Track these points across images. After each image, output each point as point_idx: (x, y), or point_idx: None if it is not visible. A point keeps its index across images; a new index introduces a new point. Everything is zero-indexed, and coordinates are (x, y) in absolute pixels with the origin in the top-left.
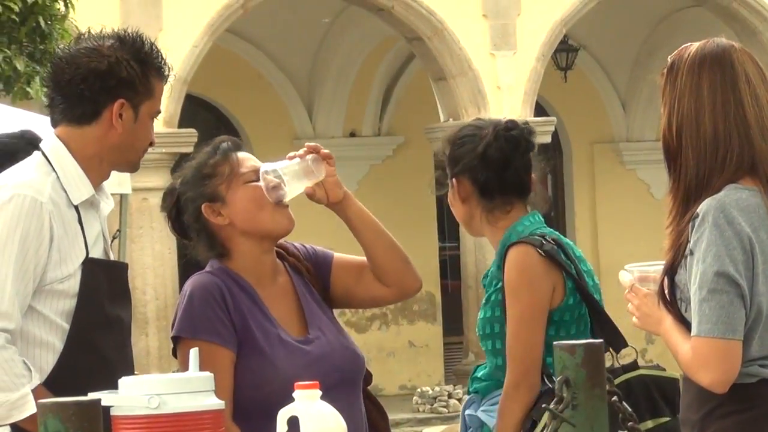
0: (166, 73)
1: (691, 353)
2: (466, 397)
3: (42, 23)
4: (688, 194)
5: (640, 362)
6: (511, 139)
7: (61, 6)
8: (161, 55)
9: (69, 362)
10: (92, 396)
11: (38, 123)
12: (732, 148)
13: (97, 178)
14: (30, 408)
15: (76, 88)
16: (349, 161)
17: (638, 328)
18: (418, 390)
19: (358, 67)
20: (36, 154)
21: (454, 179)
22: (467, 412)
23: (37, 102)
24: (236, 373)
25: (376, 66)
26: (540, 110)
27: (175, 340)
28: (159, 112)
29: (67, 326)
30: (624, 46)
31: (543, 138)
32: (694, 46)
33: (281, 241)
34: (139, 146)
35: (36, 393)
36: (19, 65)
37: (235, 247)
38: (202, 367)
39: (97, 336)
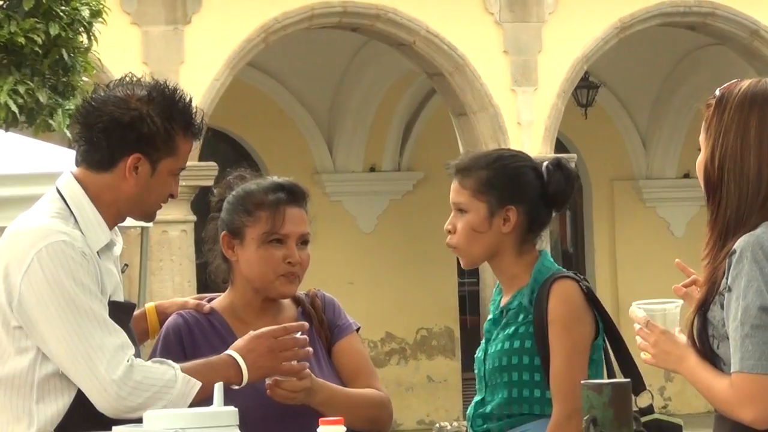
0: (196, 132)
1: (731, 390)
2: None
3: (65, 56)
4: (727, 228)
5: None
6: (568, 175)
7: (84, 39)
8: (192, 113)
9: (84, 404)
10: (118, 430)
11: (59, 155)
12: None
13: (112, 223)
14: (193, 386)
15: (95, 135)
16: (368, 196)
17: (650, 364)
18: (437, 425)
19: (379, 102)
20: (53, 194)
21: (503, 208)
22: None
23: (59, 134)
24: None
25: (396, 101)
26: (560, 147)
27: None
28: (183, 168)
29: None
30: (645, 84)
31: None
32: (745, 83)
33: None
34: (153, 200)
35: (184, 370)
36: (42, 97)
37: (236, 280)
38: None
39: None
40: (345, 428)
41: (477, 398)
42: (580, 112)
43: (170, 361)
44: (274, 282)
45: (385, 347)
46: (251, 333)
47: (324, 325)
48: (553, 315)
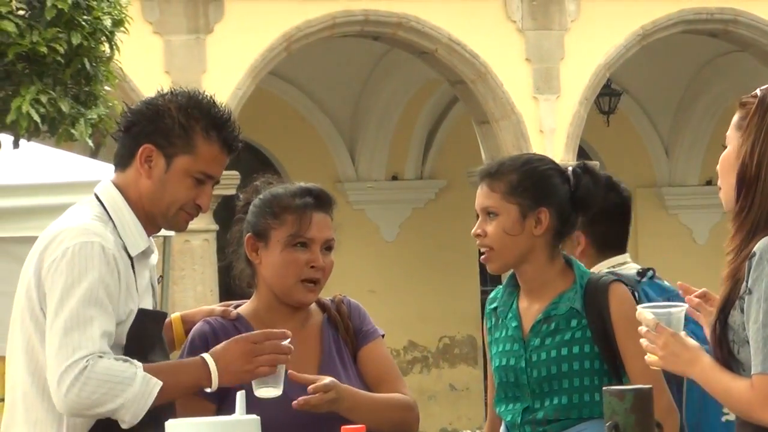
0: (225, 140)
1: (752, 391)
2: None
3: (87, 65)
4: (756, 225)
5: None
6: (596, 178)
7: (106, 48)
8: (220, 117)
9: None
10: None
11: (81, 165)
12: None
13: (149, 229)
14: (153, 386)
15: (122, 131)
16: (391, 204)
17: (658, 367)
18: None
19: (401, 110)
20: (91, 200)
21: (535, 210)
22: None
23: (81, 143)
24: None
25: (419, 109)
26: (582, 154)
27: None
28: (208, 175)
29: None
30: (667, 91)
31: None
32: None
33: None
34: (169, 200)
35: (148, 369)
36: (64, 107)
37: (259, 284)
38: (183, 413)
39: None
40: None
41: (515, 405)
42: (603, 119)
43: (135, 361)
44: (293, 287)
45: (407, 355)
46: (232, 337)
47: (350, 331)
48: (621, 317)
